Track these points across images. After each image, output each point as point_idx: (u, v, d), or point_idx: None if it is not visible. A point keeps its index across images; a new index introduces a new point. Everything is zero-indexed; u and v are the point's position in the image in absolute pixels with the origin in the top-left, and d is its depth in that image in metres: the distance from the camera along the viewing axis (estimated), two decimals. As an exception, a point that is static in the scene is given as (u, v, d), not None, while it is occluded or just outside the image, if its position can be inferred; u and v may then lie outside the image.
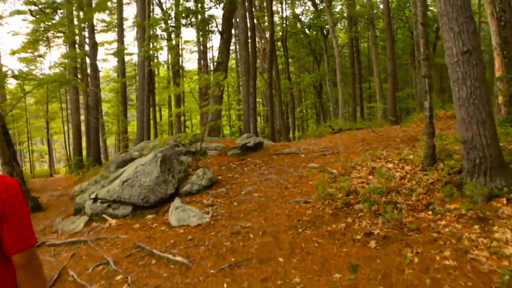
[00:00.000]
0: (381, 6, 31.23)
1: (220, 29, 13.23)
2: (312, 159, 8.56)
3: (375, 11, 26.55)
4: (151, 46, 12.90)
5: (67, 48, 26.63)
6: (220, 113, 13.37)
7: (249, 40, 16.43)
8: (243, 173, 7.80)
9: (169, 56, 25.91)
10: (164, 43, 16.03)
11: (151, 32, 13.06)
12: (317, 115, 36.18)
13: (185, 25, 12.40)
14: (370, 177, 6.49)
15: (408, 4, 29.60)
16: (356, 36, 30.76)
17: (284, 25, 33.35)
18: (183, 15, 12.09)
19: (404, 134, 11.43)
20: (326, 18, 28.77)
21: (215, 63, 13.59)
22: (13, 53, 33.35)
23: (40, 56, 35.93)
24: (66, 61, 27.43)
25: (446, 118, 16.03)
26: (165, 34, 13.01)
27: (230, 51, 44.34)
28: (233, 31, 33.81)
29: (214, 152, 9.72)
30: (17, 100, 19.07)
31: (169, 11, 13.10)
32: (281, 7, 35.22)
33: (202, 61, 27.70)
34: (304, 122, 39.01)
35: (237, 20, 20.49)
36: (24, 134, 32.52)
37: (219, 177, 7.48)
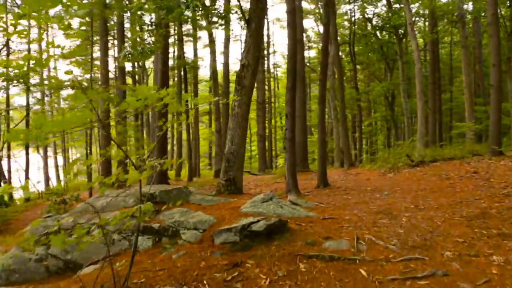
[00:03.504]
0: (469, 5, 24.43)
1: (247, 17, 8.48)
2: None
3: (465, 6, 20.30)
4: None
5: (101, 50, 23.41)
6: (243, 144, 8.48)
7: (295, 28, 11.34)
8: None
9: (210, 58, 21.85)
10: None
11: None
12: (388, 129, 30.21)
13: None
14: None
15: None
16: (437, 38, 24.56)
17: (354, 27, 27.87)
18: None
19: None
20: (402, 15, 22.94)
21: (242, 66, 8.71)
22: (63, 56, 31.21)
23: (94, 59, 33.78)
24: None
25: None
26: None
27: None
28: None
29: (193, 234, 4.91)
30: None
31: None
32: (350, 9, 29.66)
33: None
34: (373, 136, 33.09)
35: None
36: (69, 141, 30.07)
37: None
